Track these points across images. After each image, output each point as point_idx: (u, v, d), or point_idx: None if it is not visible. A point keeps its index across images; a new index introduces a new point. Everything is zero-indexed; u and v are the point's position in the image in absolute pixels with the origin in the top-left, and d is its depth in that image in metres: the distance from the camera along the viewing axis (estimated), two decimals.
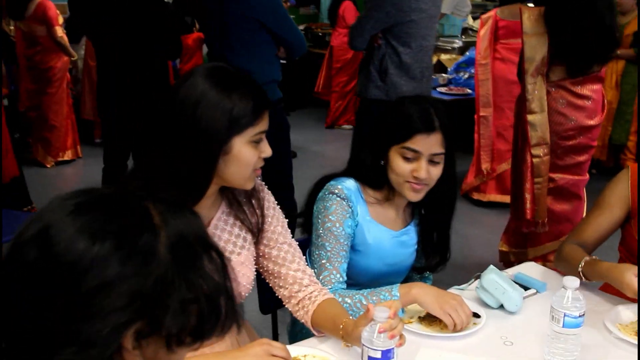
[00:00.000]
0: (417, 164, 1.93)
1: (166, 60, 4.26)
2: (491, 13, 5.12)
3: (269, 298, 2.10)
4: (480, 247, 4.65)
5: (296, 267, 1.85)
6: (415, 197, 1.99)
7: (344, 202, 1.99)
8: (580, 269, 1.98)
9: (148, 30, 3.97)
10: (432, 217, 2.12)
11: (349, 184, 2.03)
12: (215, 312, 0.91)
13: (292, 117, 7.89)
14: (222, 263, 0.93)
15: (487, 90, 5.11)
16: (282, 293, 1.87)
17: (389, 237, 2.08)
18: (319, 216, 2.01)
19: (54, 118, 6.34)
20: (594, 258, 2.00)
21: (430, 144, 1.92)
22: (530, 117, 3.47)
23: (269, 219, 1.84)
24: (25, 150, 6.63)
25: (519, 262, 3.76)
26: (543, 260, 3.74)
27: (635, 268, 1.87)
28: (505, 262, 3.97)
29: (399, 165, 1.95)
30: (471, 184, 5.44)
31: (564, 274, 2.10)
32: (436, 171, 1.96)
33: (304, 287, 1.84)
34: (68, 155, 6.57)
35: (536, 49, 3.41)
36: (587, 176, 3.71)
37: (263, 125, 1.63)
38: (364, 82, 3.97)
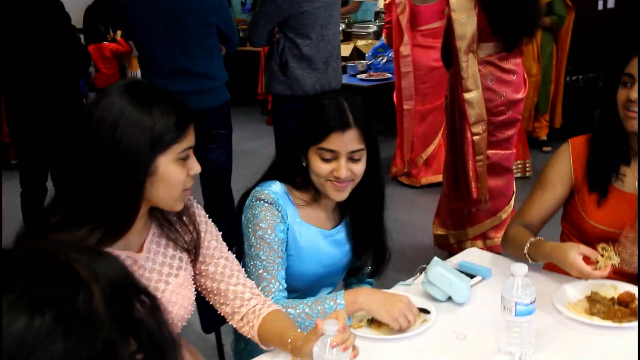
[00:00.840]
0: (337, 164, 1.87)
1: (75, 73, 4.06)
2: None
3: (210, 316, 2.01)
4: (416, 230, 4.65)
5: (236, 282, 1.77)
6: (340, 196, 1.93)
7: (273, 207, 1.91)
8: (525, 251, 1.97)
9: (50, 43, 3.78)
10: (363, 213, 2.05)
11: (276, 188, 1.95)
12: (159, 356, 0.81)
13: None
14: (153, 305, 0.83)
15: (409, 82, 5.07)
16: (224, 310, 1.78)
17: (322, 237, 2.01)
18: (249, 225, 1.92)
19: None
20: (539, 239, 1.98)
21: (346, 141, 1.86)
22: (467, 96, 3.46)
23: (203, 234, 1.75)
24: None
25: (459, 243, 3.80)
26: (483, 238, 3.78)
27: (579, 246, 1.86)
28: (443, 245, 3.97)
29: (318, 166, 1.88)
30: (401, 169, 5.44)
31: (511, 257, 2.09)
32: (358, 167, 1.90)
33: (246, 301, 1.75)
34: None
35: (466, 25, 3.39)
36: (514, 150, 3.74)
37: (189, 140, 1.53)
38: (268, 78, 3.90)
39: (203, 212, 1.79)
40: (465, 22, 3.39)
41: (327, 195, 1.94)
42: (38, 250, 0.79)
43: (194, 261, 1.73)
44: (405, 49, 5.01)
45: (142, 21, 3.47)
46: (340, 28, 4.96)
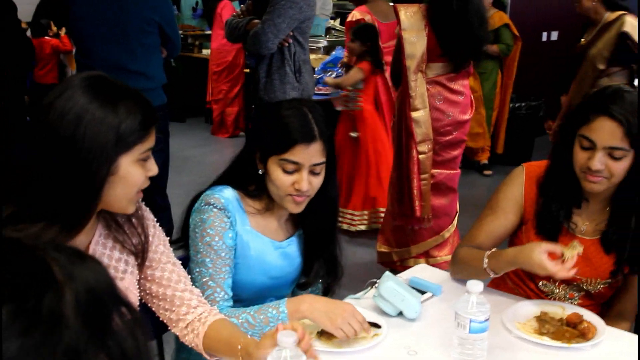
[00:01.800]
0: (298, 176, 1.82)
1: (19, 67, 3.92)
2: (362, 14, 4.94)
3: (151, 323, 1.93)
4: (358, 247, 4.64)
5: (183, 288, 1.70)
6: (297, 209, 1.88)
7: (222, 213, 1.85)
8: (485, 266, 1.91)
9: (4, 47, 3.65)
10: (316, 225, 2.00)
11: (227, 194, 1.89)
12: None
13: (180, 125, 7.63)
14: (133, 319, 0.76)
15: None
16: (167, 316, 1.71)
17: (272, 248, 1.96)
18: (196, 230, 1.86)
19: None
20: (494, 250, 1.93)
21: (310, 154, 1.81)
22: (414, 114, 3.48)
23: (151, 238, 1.68)
24: None
25: (402, 260, 3.80)
26: (426, 256, 3.79)
27: (541, 245, 1.80)
28: (386, 262, 3.96)
29: (279, 178, 1.83)
30: None
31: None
32: (317, 181, 1.86)
33: (192, 308, 1.69)
34: None
35: (416, 45, 3.42)
36: (459, 170, 3.78)
37: (151, 141, 1.47)
38: (278, 86, 3.71)
39: (151, 216, 1.72)
40: (415, 42, 3.43)
41: (284, 207, 1.89)
42: (16, 243, 0.72)
43: (141, 265, 1.66)
44: None
45: (83, 13, 3.40)
46: None
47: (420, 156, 3.53)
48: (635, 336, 1.85)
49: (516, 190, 2.05)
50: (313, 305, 1.74)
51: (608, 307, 2.07)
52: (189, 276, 1.75)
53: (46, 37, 7.09)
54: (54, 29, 7.04)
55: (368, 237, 4.71)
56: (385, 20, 4.94)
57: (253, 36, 3.63)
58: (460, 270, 2.09)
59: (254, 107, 3.97)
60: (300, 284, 2.06)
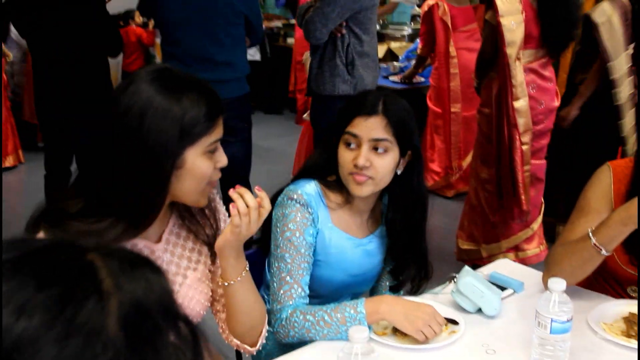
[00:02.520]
0: (358, 151, 1.78)
1: (106, 57, 4.04)
2: (434, 0, 4.89)
3: None
4: (441, 238, 4.56)
5: None
6: (359, 190, 1.81)
7: (304, 209, 1.83)
8: (594, 242, 1.73)
9: (83, 24, 3.75)
10: (400, 224, 1.93)
11: (309, 189, 1.86)
12: None
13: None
14: (193, 337, 0.71)
15: (457, 85, 4.94)
16: (215, 307, 1.72)
17: (353, 245, 1.92)
18: (278, 224, 1.84)
19: None
20: (597, 224, 1.78)
21: (369, 127, 1.77)
22: (516, 104, 3.37)
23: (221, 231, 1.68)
24: None
25: (490, 256, 3.68)
26: (515, 250, 3.69)
27: None
28: (471, 259, 3.85)
29: (342, 154, 1.81)
30: (439, 183, 5.26)
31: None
32: (381, 162, 1.78)
33: None
34: (9, 162, 6.25)
35: (515, 32, 3.30)
36: (545, 160, 3.66)
37: (218, 132, 1.46)
38: (328, 78, 3.66)
39: (224, 210, 1.72)
40: (514, 28, 3.30)
41: (350, 191, 1.84)
42: (66, 244, 0.70)
43: (213, 256, 1.67)
44: (452, 50, 4.91)
45: (172, 3, 3.44)
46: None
47: (523, 147, 3.43)
48: None
49: (605, 189, 1.93)
50: (392, 307, 1.71)
51: None
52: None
53: (132, 26, 7.30)
54: (139, 19, 7.23)
55: (451, 226, 4.63)
56: (459, 4, 4.85)
57: (304, 24, 3.60)
58: (561, 268, 1.84)
59: (311, 98, 3.93)
60: (392, 287, 2.02)
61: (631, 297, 1.93)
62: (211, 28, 3.44)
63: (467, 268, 1.89)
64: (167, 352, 0.67)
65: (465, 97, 4.97)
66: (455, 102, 4.99)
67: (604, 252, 1.74)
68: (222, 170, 3.84)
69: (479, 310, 1.84)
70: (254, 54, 7.80)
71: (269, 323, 1.75)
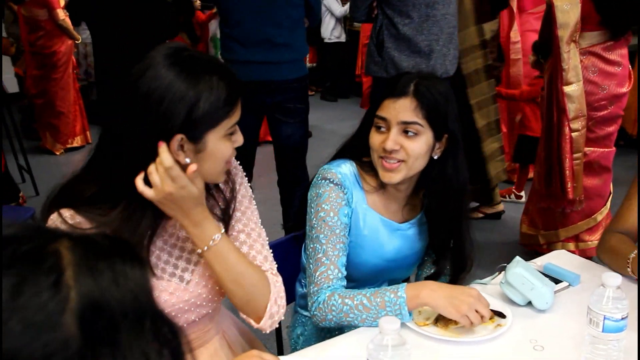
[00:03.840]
0: (387, 134, 1.71)
1: (164, 39, 4.06)
2: None
3: None
4: (502, 225, 4.41)
5: (259, 249, 1.60)
6: (389, 177, 1.74)
7: (338, 189, 1.77)
8: (629, 269, 1.77)
9: (147, 13, 3.78)
10: (439, 213, 1.86)
11: (345, 169, 1.80)
12: None
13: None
14: (173, 335, 0.67)
15: (518, 70, 4.79)
16: None
17: (389, 228, 1.85)
18: (312, 204, 1.79)
19: (60, 104, 6.18)
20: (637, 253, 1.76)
21: (398, 109, 1.69)
22: (567, 89, 3.25)
23: (239, 197, 1.62)
24: (32, 137, 6.49)
25: (549, 244, 3.56)
26: (575, 240, 3.54)
27: None
28: (530, 244, 3.74)
29: (372, 137, 1.75)
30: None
31: (605, 265, 1.89)
32: (412, 145, 1.70)
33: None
34: (77, 142, 6.41)
35: (569, 13, 3.17)
36: (614, 148, 3.49)
37: (237, 115, 1.42)
38: (367, 58, 3.65)
39: (242, 174, 1.65)
40: (568, 10, 3.16)
41: (380, 177, 1.77)
42: (39, 230, 0.66)
43: (227, 231, 1.58)
44: (515, 35, 4.77)
45: None
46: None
47: (573, 134, 3.29)
48: None
49: None
50: (435, 292, 1.62)
51: None
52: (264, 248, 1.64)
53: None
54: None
55: (513, 213, 4.48)
56: None
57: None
58: (605, 257, 1.92)
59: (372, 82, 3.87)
60: (429, 276, 1.94)
61: None
62: (270, 9, 3.40)
63: (517, 258, 1.78)
64: (130, 352, 0.62)
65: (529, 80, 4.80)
66: (514, 88, 4.79)
67: (633, 276, 1.78)
68: (279, 150, 3.81)
69: (529, 304, 1.73)
70: (339, 35, 7.75)
71: (305, 307, 1.69)
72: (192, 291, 1.51)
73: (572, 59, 3.20)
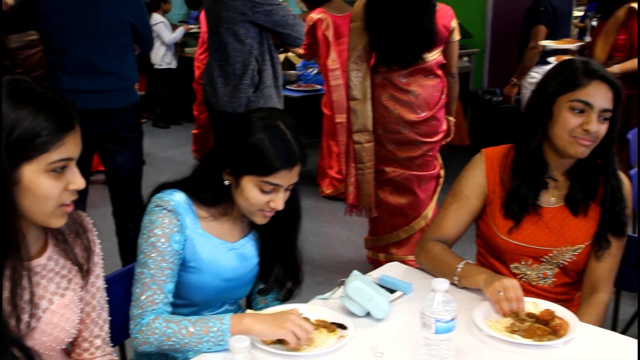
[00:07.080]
0: (275, 195, 1.79)
1: None
2: (319, 15, 4.93)
3: (116, 327, 1.85)
4: (340, 244, 4.58)
5: (97, 333, 1.63)
6: (265, 221, 1.86)
7: (172, 215, 1.79)
8: (456, 282, 1.95)
9: None
10: (275, 232, 1.95)
11: (177, 197, 1.83)
12: None
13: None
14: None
15: (340, 96, 4.95)
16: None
17: (225, 250, 1.89)
18: (144, 231, 1.80)
19: None
20: (466, 267, 1.95)
21: (292, 176, 1.80)
22: (352, 104, 3.52)
23: (93, 267, 1.61)
24: None
25: (370, 249, 3.86)
26: (384, 251, 3.78)
27: (511, 282, 1.82)
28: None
29: (255, 197, 1.78)
30: (339, 189, 5.18)
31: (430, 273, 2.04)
32: (287, 195, 1.84)
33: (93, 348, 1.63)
34: None
35: (359, 37, 3.46)
36: (425, 172, 3.67)
37: (66, 150, 1.34)
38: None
39: (98, 243, 1.63)
40: (359, 34, 3.46)
41: (251, 219, 1.86)
42: None
43: (85, 277, 1.57)
44: (333, 63, 4.96)
45: (56, 13, 3.29)
46: None
47: (355, 145, 3.56)
48: (608, 332, 1.81)
49: (478, 176, 2.07)
50: (256, 318, 1.69)
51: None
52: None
53: None
54: None
55: (348, 232, 4.66)
56: (341, 13, 4.95)
57: None
58: (426, 264, 2.09)
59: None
60: (260, 290, 2.01)
61: (516, 275, 2.05)
62: (95, 36, 3.32)
63: (355, 272, 1.88)
64: None
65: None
66: (339, 113, 4.97)
67: (456, 282, 1.95)
68: (113, 180, 3.67)
69: (369, 314, 1.83)
70: (170, 62, 7.64)
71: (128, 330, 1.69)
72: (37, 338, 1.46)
73: (361, 78, 3.47)
